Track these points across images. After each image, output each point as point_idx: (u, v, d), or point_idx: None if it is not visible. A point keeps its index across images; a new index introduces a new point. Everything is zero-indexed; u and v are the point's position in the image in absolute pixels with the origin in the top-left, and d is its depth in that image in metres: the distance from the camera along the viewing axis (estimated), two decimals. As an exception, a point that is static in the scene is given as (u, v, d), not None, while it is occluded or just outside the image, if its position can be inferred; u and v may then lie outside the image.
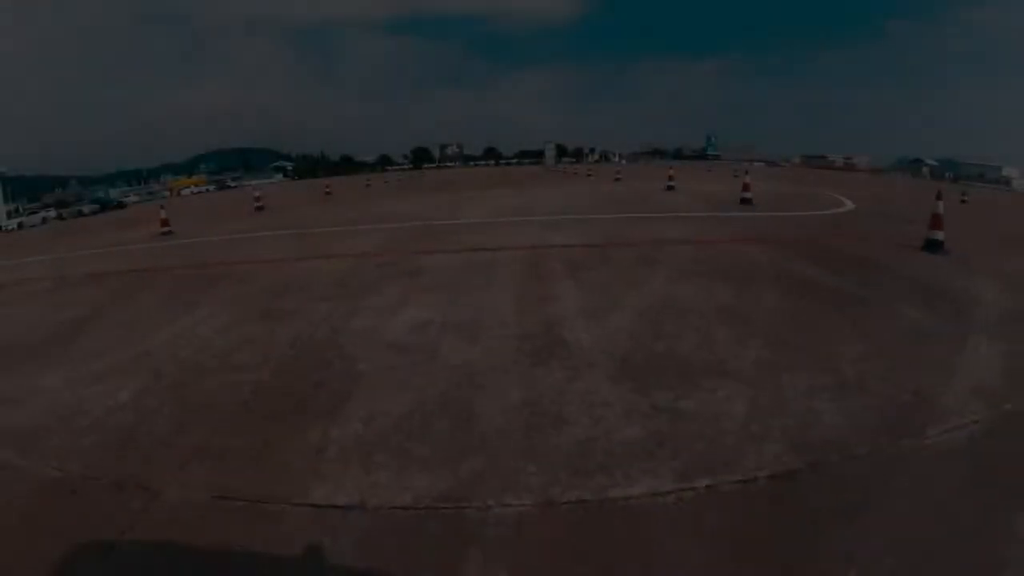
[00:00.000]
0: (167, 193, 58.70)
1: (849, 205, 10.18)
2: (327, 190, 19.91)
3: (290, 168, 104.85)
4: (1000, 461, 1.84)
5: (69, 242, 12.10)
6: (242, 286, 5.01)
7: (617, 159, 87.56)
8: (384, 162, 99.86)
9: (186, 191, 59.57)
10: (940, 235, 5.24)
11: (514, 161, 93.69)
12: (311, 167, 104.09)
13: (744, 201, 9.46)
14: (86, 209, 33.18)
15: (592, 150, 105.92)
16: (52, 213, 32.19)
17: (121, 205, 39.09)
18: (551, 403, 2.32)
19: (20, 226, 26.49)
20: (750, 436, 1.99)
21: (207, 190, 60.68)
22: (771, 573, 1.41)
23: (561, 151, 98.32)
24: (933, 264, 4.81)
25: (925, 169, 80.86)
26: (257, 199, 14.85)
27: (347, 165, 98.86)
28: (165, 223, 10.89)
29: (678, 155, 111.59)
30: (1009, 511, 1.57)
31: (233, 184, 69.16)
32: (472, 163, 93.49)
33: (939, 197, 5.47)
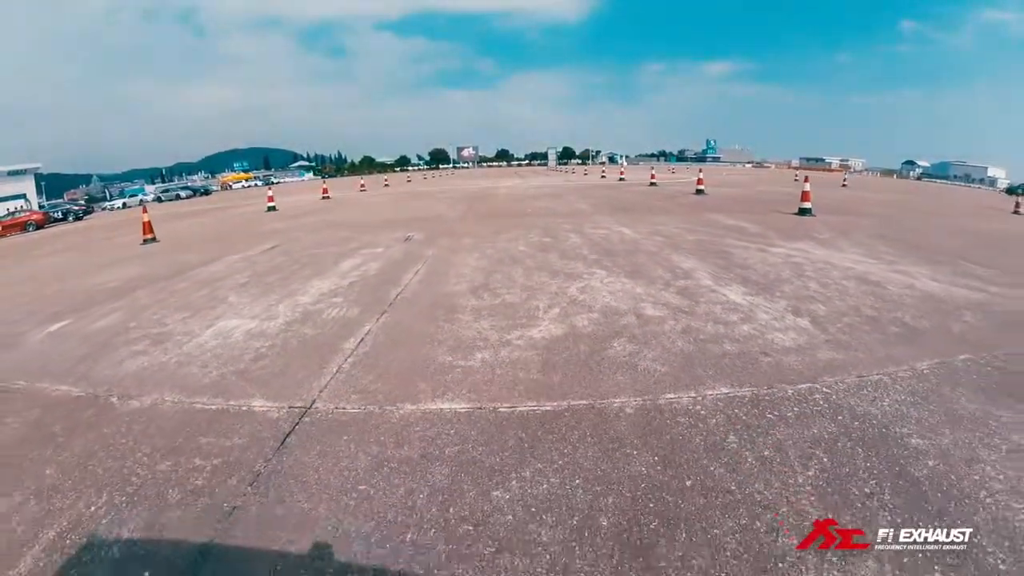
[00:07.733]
0: (216, 187, 73.88)
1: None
2: (408, 179, 35.31)
3: (317, 167, 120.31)
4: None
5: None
6: (446, 191, 20.21)
7: (622, 161, 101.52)
8: (403, 162, 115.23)
9: (237, 185, 74.16)
10: (702, 186, 20.24)
11: (524, 162, 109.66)
12: (337, 166, 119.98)
13: (620, 180, 24.48)
14: (183, 194, 45.88)
15: (598, 152, 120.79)
16: (150, 197, 44.37)
17: (207, 192, 52.58)
18: (533, 192, 17.43)
19: (124, 205, 39.79)
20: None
21: (256, 184, 75.28)
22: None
23: (569, 154, 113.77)
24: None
25: (918, 170, 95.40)
26: (386, 180, 30.19)
27: (370, 165, 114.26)
28: (363, 185, 26.16)
29: (681, 157, 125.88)
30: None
31: (276, 180, 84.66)
32: (485, 164, 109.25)
33: (701, 173, 20.36)
